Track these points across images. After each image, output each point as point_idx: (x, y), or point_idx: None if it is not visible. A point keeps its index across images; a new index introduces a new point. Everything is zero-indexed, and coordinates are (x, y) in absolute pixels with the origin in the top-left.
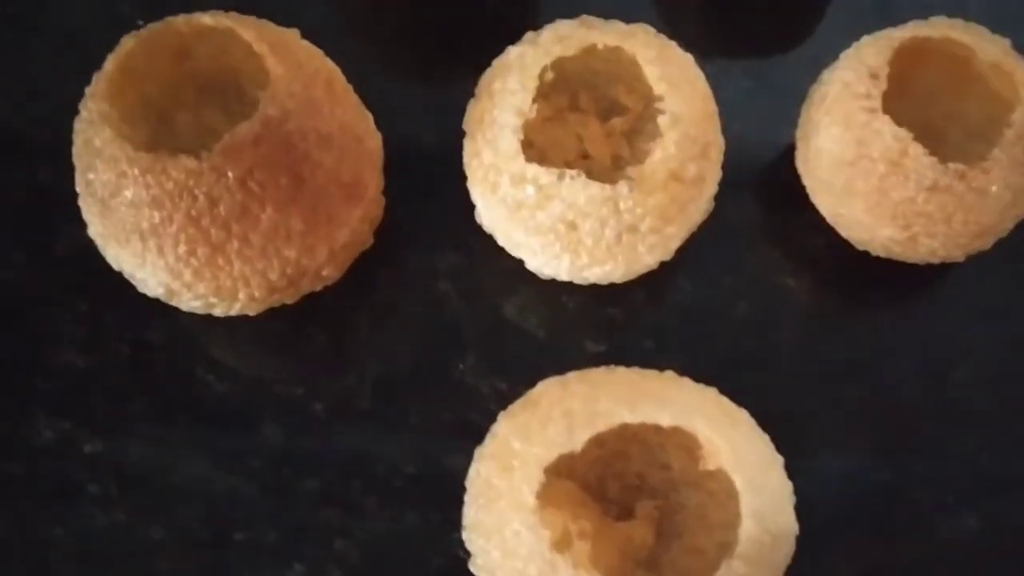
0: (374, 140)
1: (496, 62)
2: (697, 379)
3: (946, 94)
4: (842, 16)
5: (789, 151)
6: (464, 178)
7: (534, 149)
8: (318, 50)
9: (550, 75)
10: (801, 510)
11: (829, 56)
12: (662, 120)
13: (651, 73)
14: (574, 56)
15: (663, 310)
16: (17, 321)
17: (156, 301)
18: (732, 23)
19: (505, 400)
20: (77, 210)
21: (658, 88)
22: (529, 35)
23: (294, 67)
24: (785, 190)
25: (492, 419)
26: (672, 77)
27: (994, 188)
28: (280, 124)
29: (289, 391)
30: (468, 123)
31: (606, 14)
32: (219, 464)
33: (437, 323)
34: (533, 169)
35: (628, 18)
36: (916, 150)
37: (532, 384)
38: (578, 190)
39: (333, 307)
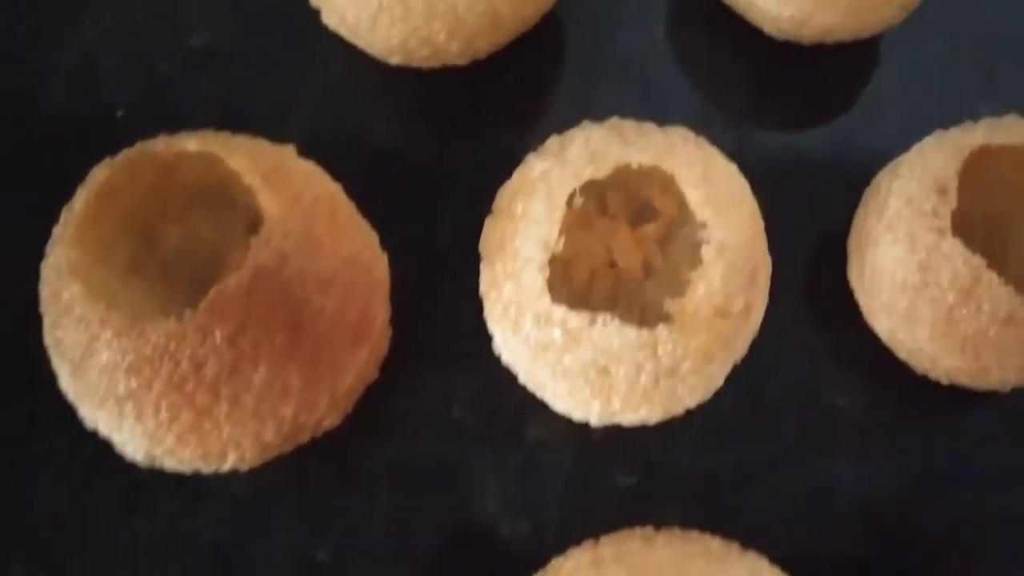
0: (381, 266)
1: (517, 175)
2: (741, 519)
3: (1016, 186)
4: (897, 101)
5: (839, 255)
6: (479, 293)
7: (557, 258)
8: (317, 168)
9: (579, 199)
10: None
11: (882, 145)
12: (706, 251)
13: (694, 197)
14: None
15: (701, 436)
16: None
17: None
18: (775, 105)
19: (528, 545)
20: None
21: (702, 214)
22: (554, 143)
23: (291, 200)
24: (836, 301)
25: (514, 569)
26: (716, 200)
27: None
28: (275, 272)
29: (293, 535)
30: (485, 246)
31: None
32: None
33: (452, 457)
34: (561, 312)
35: (663, 101)
36: (990, 279)
37: (558, 527)
38: (611, 335)
39: (337, 443)
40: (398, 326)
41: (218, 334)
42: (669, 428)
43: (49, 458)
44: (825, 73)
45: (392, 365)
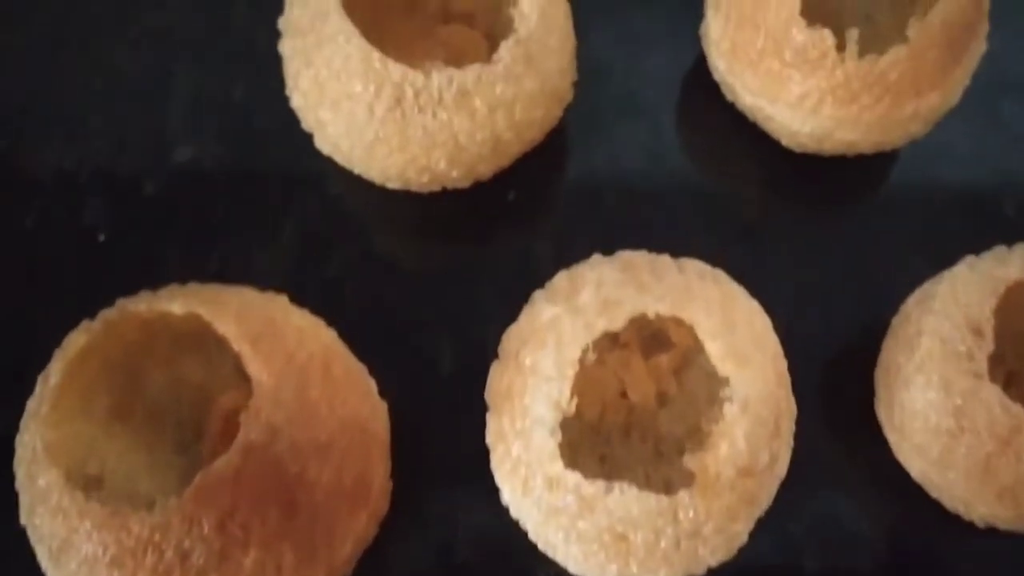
0: (379, 420)
1: (524, 319)
2: None
3: None
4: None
5: (865, 381)
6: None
7: None
8: (309, 318)
9: (592, 355)
10: None
11: (906, 256)
12: (728, 409)
13: (714, 351)
14: None
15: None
16: None
17: None
18: (794, 217)
19: None
20: None
21: (723, 369)
22: (563, 282)
23: (283, 363)
24: (862, 431)
25: None
26: (738, 348)
27: None
28: (266, 448)
29: None
30: (491, 393)
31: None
32: None
33: None
34: (574, 478)
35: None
36: None
37: None
38: (629, 502)
39: None
40: (399, 474)
41: (205, 523)
42: None
43: None
44: (845, 181)
45: (393, 516)
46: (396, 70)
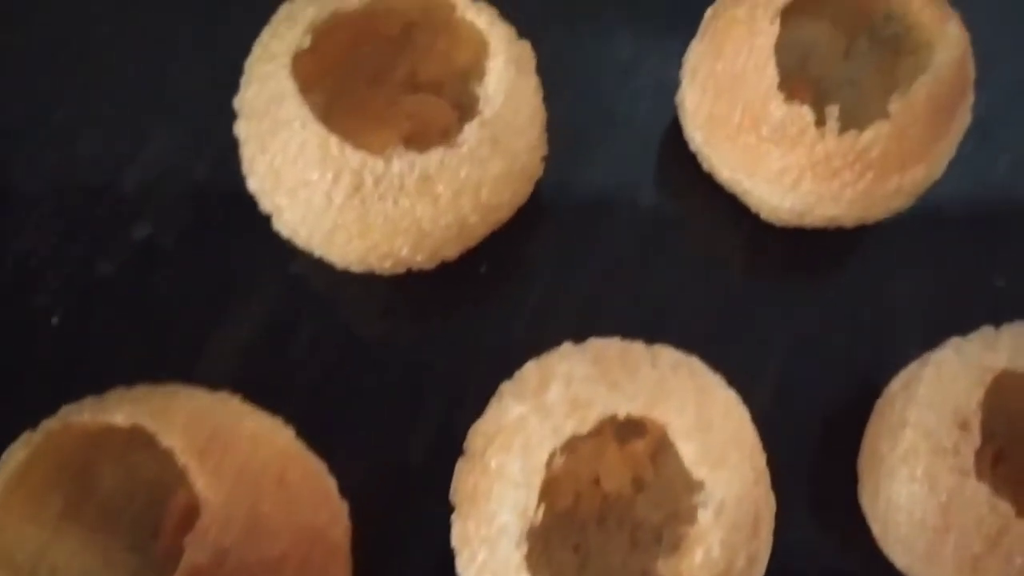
0: (339, 526)
1: (491, 415)
2: None
3: None
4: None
5: (848, 466)
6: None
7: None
8: (265, 420)
9: (560, 459)
10: None
11: (891, 331)
12: (703, 514)
13: (687, 454)
14: None
15: None
16: None
17: None
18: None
19: None
20: None
21: (697, 473)
22: (532, 376)
23: (233, 477)
24: (845, 519)
25: None
26: (713, 448)
27: None
28: (215, 570)
29: None
30: (457, 494)
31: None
32: None
33: None
34: None
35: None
36: (1020, 528)
37: None
38: None
39: None
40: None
41: None
42: None
43: None
44: (828, 252)
45: None
46: (354, 157)
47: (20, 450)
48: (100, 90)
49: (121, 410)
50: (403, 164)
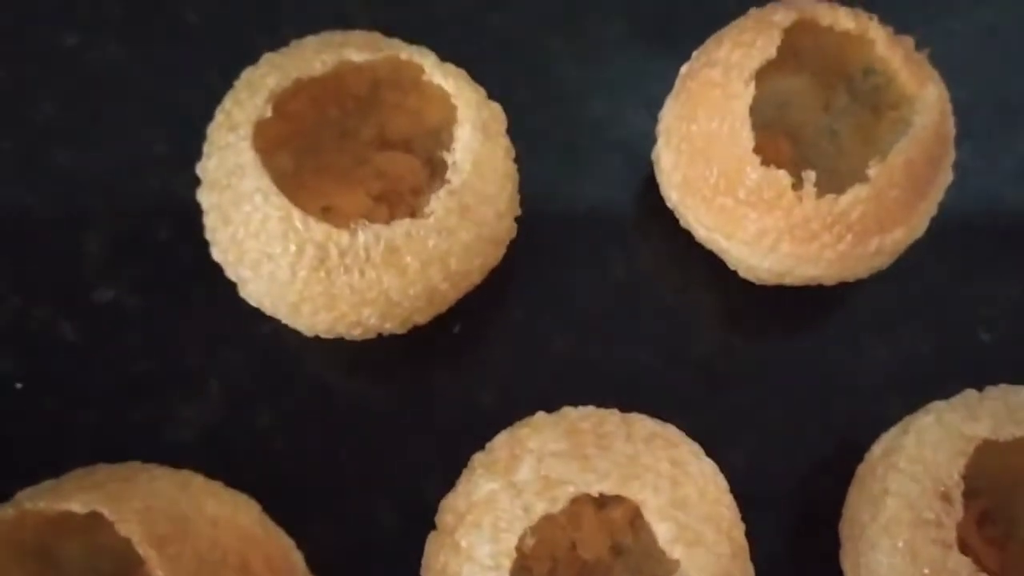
0: None
1: (462, 489)
2: None
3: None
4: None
5: (829, 531)
6: None
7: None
8: (228, 499)
9: (530, 541)
10: None
11: (872, 390)
12: None
13: (662, 533)
14: None
15: None
16: None
17: None
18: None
19: None
20: None
21: (672, 552)
22: (503, 449)
23: (194, 565)
24: None
25: None
26: (688, 528)
27: None
28: None
29: None
30: (428, 572)
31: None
32: None
33: None
34: None
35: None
36: None
37: None
38: None
39: None
40: None
41: None
42: None
43: None
44: (809, 311)
45: None
46: (318, 230)
47: None
48: (59, 149)
49: (79, 497)
50: (368, 236)
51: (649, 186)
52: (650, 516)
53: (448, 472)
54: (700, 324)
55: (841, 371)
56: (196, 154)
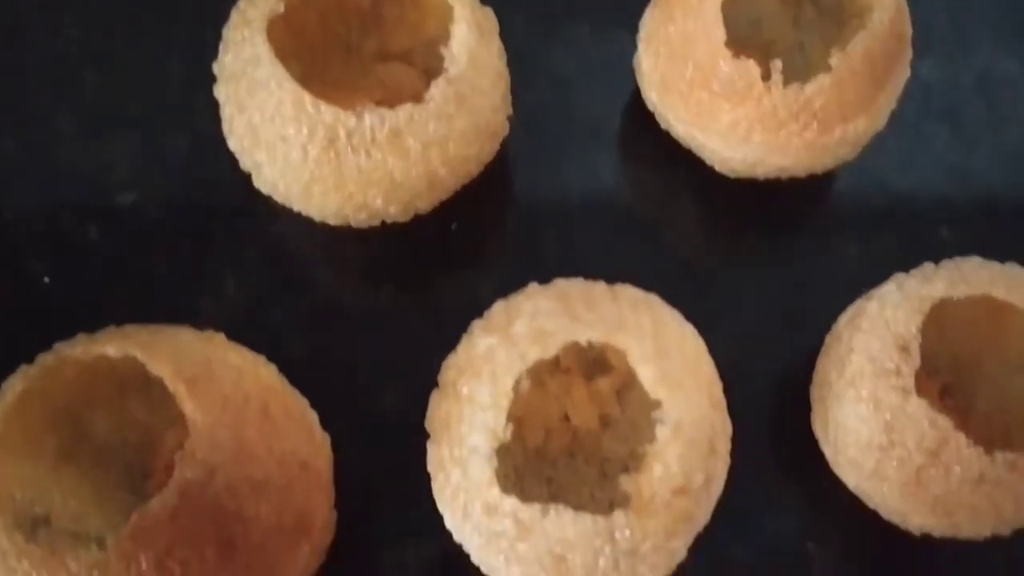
0: (321, 455)
1: (462, 349)
2: None
3: (982, 324)
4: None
5: (802, 400)
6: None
7: (509, 417)
8: (248, 357)
9: (526, 383)
10: None
11: (842, 277)
12: (660, 431)
13: (645, 376)
14: None
15: None
16: None
17: None
18: (730, 243)
19: None
20: None
21: (655, 393)
22: (500, 313)
23: (219, 405)
24: (801, 449)
25: None
26: (670, 373)
27: None
28: (203, 487)
29: None
30: (431, 422)
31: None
32: None
33: None
34: (511, 503)
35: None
36: (958, 440)
37: None
38: (565, 524)
39: None
40: (344, 504)
41: (143, 559)
42: None
43: None
44: (781, 206)
45: (339, 544)
46: (328, 112)
47: (17, 382)
48: (88, 71)
49: (112, 343)
50: (374, 118)
51: (634, 100)
52: (635, 362)
53: (450, 345)
54: (682, 217)
55: (812, 261)
56: (211, 77)
